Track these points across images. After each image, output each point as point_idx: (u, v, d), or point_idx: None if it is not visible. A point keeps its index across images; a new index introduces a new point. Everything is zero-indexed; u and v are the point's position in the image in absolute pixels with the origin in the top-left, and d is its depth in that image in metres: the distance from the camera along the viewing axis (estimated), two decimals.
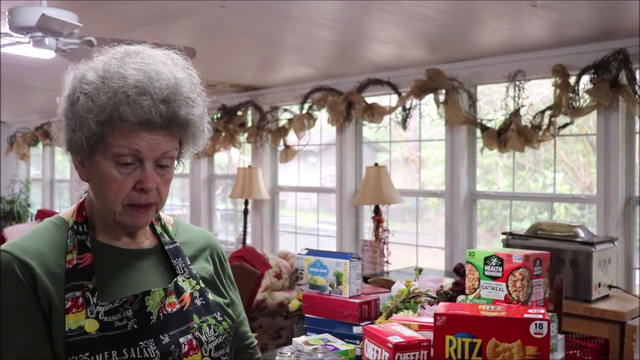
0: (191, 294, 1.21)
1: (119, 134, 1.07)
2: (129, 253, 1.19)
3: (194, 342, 1.15)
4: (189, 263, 1.25)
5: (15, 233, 5.53)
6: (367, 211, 5.13)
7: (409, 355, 1.24)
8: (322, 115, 5.40)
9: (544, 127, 3.91)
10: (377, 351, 1.30)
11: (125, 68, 1.07)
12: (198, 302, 1.21)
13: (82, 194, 1.23)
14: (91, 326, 1.07)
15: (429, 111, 4.64)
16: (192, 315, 1.18)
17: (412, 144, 6.38)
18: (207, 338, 1.18)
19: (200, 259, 1.30)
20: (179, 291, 1.19)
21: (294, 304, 3.55)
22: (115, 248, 1.18)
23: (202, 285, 1.25)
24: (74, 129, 1.09)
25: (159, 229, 1.26)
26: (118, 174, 1.09)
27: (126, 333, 1.09)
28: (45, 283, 1.07)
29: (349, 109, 4.99)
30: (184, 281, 1.21)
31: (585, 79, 3.74)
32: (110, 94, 1.05)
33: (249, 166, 5.77)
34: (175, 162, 1.18)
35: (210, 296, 1.24)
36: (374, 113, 4.81)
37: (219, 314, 1.23)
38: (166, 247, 1.24)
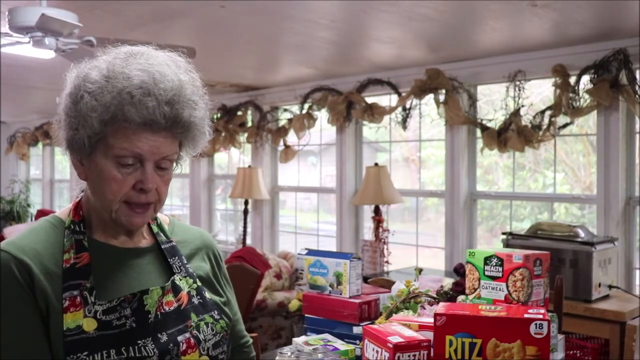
0: (188, 292, 1.21)
1: (121, 136, 1.07)
2: (126, 252, 1.19)
3: (192, 340, 1.15)
4: (185, 262, 1.25)
5: (15, 233, 5.49)
6: (367, 211, 5.13)
7: (409, 355, 1.24)
8: (322, 115, 5.40)
9: (544, 127, 3.91)
10: (377, 351, 1.30)
11: (130, 68, 1.07)
12: (195, 300, 1.21)
13: (78, 193, 1.23)
14: (89, 325, 1.07)
15: (429, 111, 4.64)
16: (190, 313, 1.18)
17: (412, 144, 6.37)
18: (204, 336, 1.18)
19: (197, 258, 1.30)
20: (176, 290, 1.19)
21: (294, 304, 3.54)
22: (113, 247, 1.18)
23: (199, 283, 1.25)
24: (76, 127, 1.09)
25: (155, 228, 1.26)
26: (118, 173, 1.09)
27: (124, 332, 1.09)
28: (43, 282, 1.07)
29: (349, 109, 4.98)
30: (180, 280, 1.21)
31: (586, 79, 3.74)
32: (114, 94, 1.05)
33: (249, 166, 5.76)
34: (174, 165, 1.19)
35: (207, 295, 1.24)
36: (374, 113, 4.80)
37: (216, 312, 1.23)
38: (162, 246, 1.24)
